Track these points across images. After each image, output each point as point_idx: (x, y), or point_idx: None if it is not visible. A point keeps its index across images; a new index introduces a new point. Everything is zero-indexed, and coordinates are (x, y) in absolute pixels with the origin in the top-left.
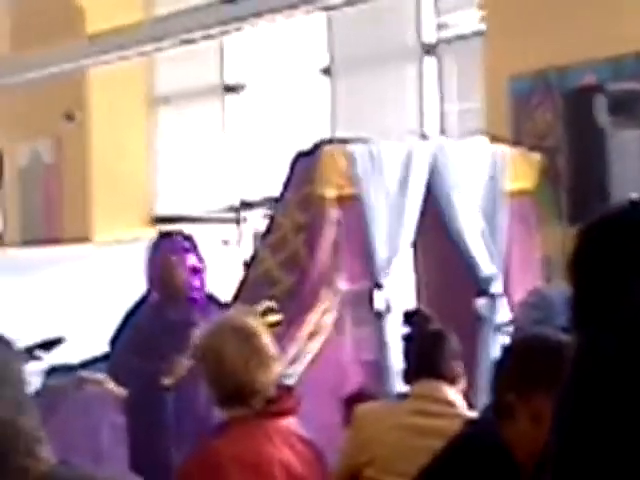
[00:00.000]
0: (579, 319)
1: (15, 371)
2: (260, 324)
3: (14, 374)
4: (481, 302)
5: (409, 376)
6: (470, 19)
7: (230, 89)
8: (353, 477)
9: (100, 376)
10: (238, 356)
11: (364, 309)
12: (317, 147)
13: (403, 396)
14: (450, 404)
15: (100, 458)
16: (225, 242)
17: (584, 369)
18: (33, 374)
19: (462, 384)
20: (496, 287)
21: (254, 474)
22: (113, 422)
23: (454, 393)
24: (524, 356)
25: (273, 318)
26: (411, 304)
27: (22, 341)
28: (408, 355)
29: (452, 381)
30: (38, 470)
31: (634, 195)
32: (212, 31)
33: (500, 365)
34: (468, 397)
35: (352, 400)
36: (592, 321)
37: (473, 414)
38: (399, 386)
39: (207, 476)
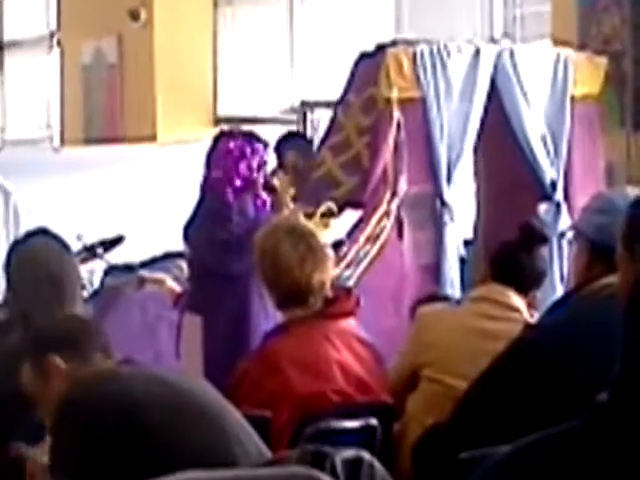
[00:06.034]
0: None
1: (69, 269)
2: (316, 224)
3: (68, 272)
4: (544, 208)
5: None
6: None
7: None
8: (412, 377)
9: (160, 275)
10: (293, 254)
11: (424, 212)
12: (381, 49)
13: (461, 301)
14: (515, 309)
15: (158, 356)
16: None
17: None
18: (94, 272)
19: (531, 296)
20: (559, 193)
21: (312, 374)
22: (170, 320)
23: (520, 300)
24: None
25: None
26: (471, 208)
27: (83, 240)
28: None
29: (522, 290)
30: (107, 365)
31: None
32: None
33: None
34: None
35: (423, 303)
36: None
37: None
38: (456, 291)
39: (266, 377)
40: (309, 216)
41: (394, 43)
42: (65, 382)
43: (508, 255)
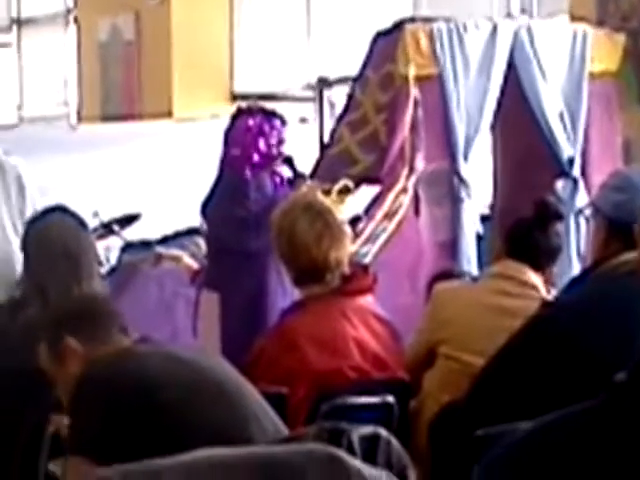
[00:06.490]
0: None
1: (85, 246)
2: (333, 201)
3: (85, 248)
4: (561, 184)
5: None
6: None
7: None
8: (429, 354)
9: (177, 252)
10: (309, 231)
11: (441, 189)
12: (398, 26)
13: (478, 277)
14: (532, 286)
15: (175, 333)
16: (303, 120)
17: None
18: (110, 249)
19: (548, 274)
20: (576, 169)
21: (329, 351)
22: (188, 297)
23: (537, 277)
24: None
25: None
26: (488, 185)
27: (100, 216)
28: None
29: (538, 267)
30: (124, 344)
31: None
32: None
33: None
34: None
35: (439, 280)
36: None
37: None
38: (473, 267)
39: (283, 354)
40: (326, 193)
41: (412, 20)
42: (81, 365)
43: (523, 232)
